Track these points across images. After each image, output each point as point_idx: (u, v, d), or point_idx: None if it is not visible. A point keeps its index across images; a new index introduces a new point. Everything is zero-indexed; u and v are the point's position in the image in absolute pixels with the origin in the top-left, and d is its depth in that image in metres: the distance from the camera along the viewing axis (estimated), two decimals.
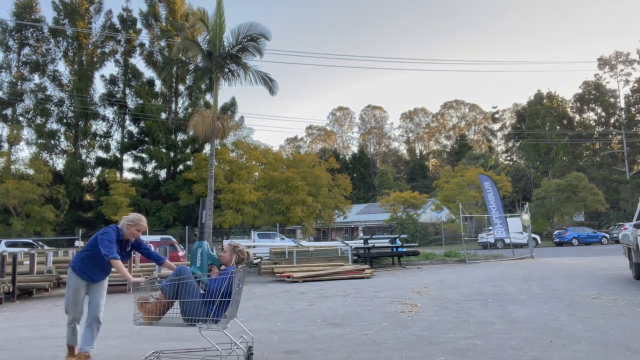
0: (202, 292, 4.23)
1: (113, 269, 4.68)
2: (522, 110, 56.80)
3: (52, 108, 30.67)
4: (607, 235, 32.05)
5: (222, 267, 4.40)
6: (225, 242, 4.60)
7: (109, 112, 32.49)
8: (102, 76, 32.23)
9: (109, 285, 13.34)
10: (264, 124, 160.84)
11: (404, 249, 18.21)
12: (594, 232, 32.67)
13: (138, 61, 35.15)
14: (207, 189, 19.42)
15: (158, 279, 4.42)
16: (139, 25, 32.52)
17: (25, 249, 17.71)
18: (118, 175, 30.38)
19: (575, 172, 41.54)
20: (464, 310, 7.27)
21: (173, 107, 32.20)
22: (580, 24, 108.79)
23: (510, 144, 64.23)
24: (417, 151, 78.15)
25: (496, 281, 11.40)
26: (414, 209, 38.80)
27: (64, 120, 31.00)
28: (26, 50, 31.31)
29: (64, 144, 31.43)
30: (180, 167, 31.24)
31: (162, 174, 31.77)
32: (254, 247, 17.95)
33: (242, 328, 4.72)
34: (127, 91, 32.34)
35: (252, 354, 4.45)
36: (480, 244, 31.61)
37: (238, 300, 4.44)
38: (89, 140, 31.63)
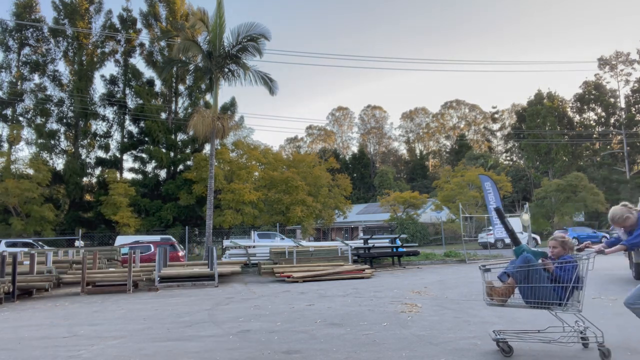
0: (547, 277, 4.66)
1: None
2: (521, 110, 56.80)
3: (52, 108, 30.61)
4: (607, 235, 32.01)
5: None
6: (557, 233, 4.91)
7: (109, 112, 32.46)
8: (102, 76, 32.20)
9: (107, 285, 13.30)
10: (264, 124, 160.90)
11: (404, 249, 18.21)
12: (594, 232, 32.66)
13: (138, 61, 35.11)
14: (207, 189, 19.41)
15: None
16: (139, 25, 32.48)
17: (25, 249, 17.71)
18: (118, 175, 30.31)
19: (575, 172, 41.51)
20: (464, 310, 7.27)
21: (173, 107, 32.16)
22: (580, 24, 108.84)
23: (510, 144, 64.25)
24: (417, 151, 78.15)
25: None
26: (414, 209, 38.78)
27: (64, 120, 30.95)
28: (26, 50, 31.26)
29: (64, 144, 31.38)
30: (180, 167, 31.20)
31: (162, 174, 31.73)
32: (253, 247, 17.95)
33: (589, 322, 4.91)
34: (127, 91, 32.29)
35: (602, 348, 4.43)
36: (480, 244, 31.61)
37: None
38: (89, 140, 31.58)
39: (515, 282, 4.71)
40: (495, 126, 72.95)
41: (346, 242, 18.21)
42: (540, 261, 4.70)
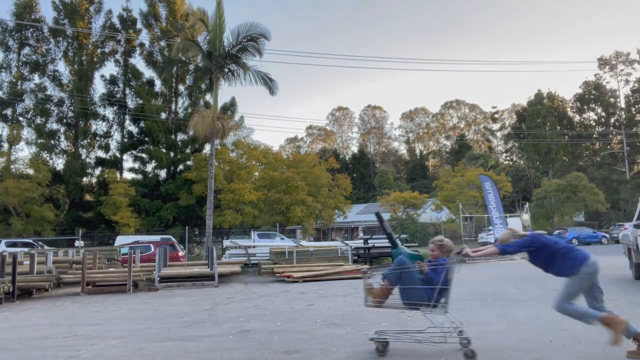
0: (420, 279, 4.76)
1: None
2: (521, 110, 56.81)
3: (52, 108, 30.59)
4: (607, 235, 31.99)
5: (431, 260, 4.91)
6: (433, 240, 4.96)
7: (109, 112, 32.44)
8: (102, 76, 32.17)
9: (107, 285, 13.33)
10: (264, 124, 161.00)
11: None
12: (594, 232, 32.59)
13: (138, 61, 35.08)
14: (207, 189, 19.41)
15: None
16: (139, 25, 32.45)
17: (25, 249, 17.70)
18: (118, 175, 30.29)
19: (575, 172, 41.49)
20: (463, 310, 7.26)
21: (173, 107, 32.15)
22: (580, 24, 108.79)
23: (510, 144, 64.24)
24: (417, 151, 78.11)
25: (496, 281, 11.41)
26: (414, 209, 38.76)
27: (64, 120, 30.93)
28: (26, 50, 31.24)
29: (64, 144, 31.36)
30: (180, 167, 31.18)
31: (162, 174, 31.71)
32: (254, 247, 17.94)
33: (453, 317, 4.98)
34: (127, 91, 32.28)
35: (467, 341, 4.53)
36: (480, 244, 31.59)
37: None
38: (89, 140, 31.57)
39: (390, 284, 4.80)
40: (495, 126, 72.94)
41: (346, 242, 18.21)
42: (416, 264, 4.81)
